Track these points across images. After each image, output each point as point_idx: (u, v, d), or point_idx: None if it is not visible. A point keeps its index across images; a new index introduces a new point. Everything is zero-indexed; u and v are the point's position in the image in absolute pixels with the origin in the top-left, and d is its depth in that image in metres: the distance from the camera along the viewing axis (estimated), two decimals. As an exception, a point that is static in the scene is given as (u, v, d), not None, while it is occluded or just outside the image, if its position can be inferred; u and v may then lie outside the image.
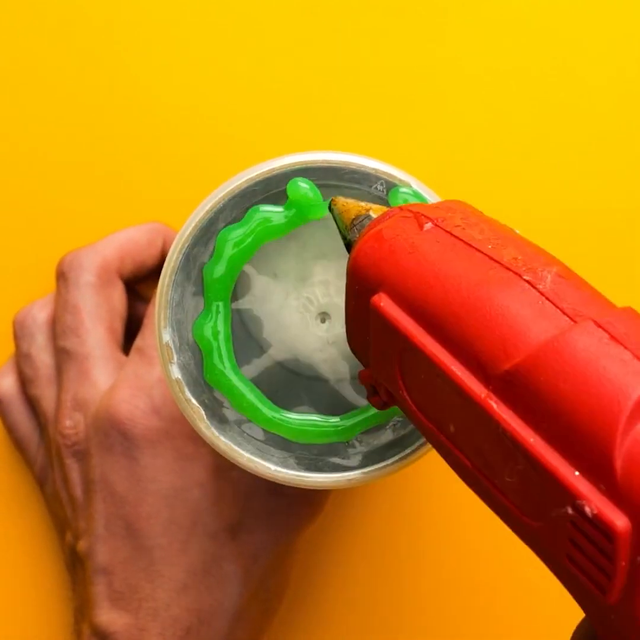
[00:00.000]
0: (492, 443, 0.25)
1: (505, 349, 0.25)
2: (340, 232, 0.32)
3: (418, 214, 0.29)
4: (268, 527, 0.42)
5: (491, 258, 0.27)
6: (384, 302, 0.28)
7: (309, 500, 0.43)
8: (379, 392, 0.31)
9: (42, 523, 0.47)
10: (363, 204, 0.32)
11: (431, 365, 0.27)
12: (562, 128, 0.46)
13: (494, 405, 0.25)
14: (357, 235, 0.31)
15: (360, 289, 0.29)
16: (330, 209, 0.33)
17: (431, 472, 0.46)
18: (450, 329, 0.27)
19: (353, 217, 0.32)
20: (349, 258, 0.30)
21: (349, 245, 0.32)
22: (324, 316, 0.36)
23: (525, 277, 0.27)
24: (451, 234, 0.28)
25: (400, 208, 0.30)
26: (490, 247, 0.28)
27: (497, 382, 0.25)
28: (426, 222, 0.29)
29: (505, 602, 0.47)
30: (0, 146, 0.46)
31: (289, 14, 0.45)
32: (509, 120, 0.46)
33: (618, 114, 0.46)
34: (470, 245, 0.28)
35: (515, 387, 0.25)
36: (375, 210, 0.32)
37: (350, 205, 0.32)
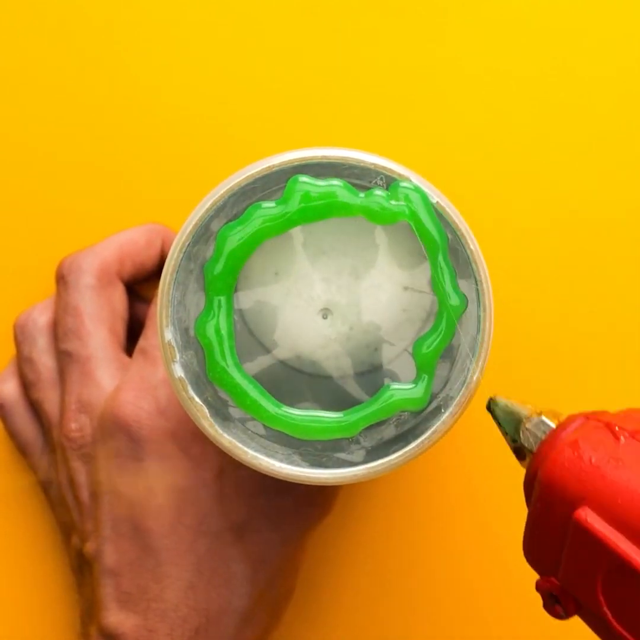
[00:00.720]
0: None
1: None
2: (505, 434, 0.32)
3: (610, 424, 0.29)
4: (275, 527, 0.42)
5: None
6: (590, 517, 0.28)
7: (316, 500, 0.43)
8: (561, 602, 0.30)
9: (46, 527, 0.47)
10: (529, 406, 0.32)
11: None
12: (561, 125, 0.46)
13: None
14: (534, 442, 0.31)
15: (554, 500, 0.29)
16: (489, 408, 0.32)
17: (435, 466, 0.46)
18: None
19: (523, 420, 0.31)
20: (535, 467, 0.30)
21: (518, 450, 0.31)
22: (325, 312, 0.36)
23: None
24: None
25: (586, 417, 0.30)
26: None
27: None
28: (621, 434, 0.29)
29: (513, 592, 0.47)
30: (0, 146, 0.46)
31: (286, 11, 0.46)
32: (507, 114, 0.46)
33: (618, 113, 0.46)
34: None
35: None
36: (547, 414, 0.31)
37: (515, 406, 0.32)
